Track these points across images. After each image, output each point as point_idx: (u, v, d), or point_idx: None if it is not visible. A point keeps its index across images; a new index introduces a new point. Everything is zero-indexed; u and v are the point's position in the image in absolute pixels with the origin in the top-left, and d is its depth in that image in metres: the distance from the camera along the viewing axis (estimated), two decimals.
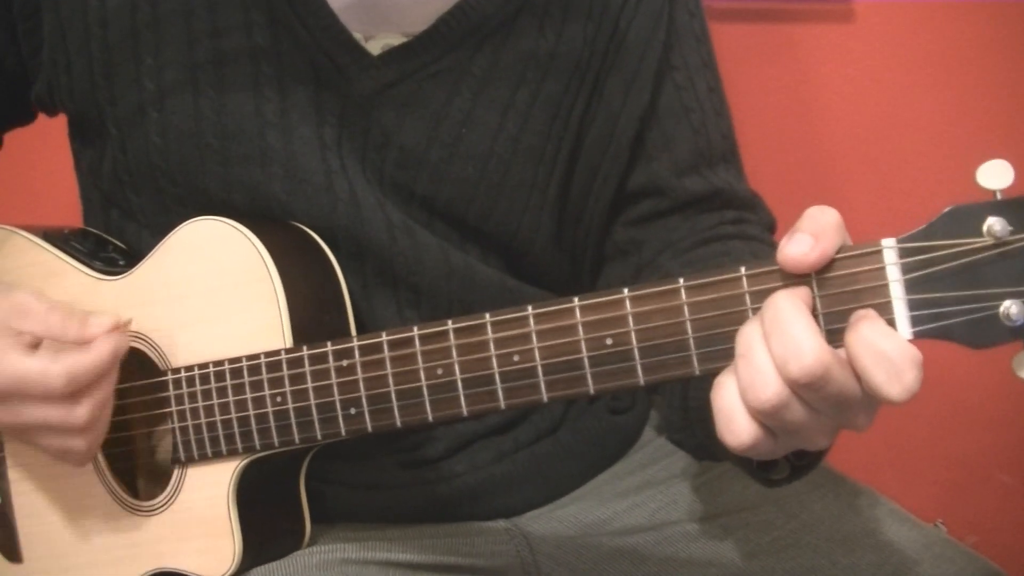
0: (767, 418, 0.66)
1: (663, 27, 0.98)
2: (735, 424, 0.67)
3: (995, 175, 0.63)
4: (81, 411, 0.85)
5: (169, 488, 0.90)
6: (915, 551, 0.92)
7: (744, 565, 0.94)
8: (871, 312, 0.64)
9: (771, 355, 0.64)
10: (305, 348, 0.83)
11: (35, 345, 0.85)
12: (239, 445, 0.86)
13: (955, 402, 1.67)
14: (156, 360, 0.90)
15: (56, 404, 0.84)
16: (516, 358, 0.74)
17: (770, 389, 0.64)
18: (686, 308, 0.69)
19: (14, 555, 0.98)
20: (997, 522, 1.76)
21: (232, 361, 0.86)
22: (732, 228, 0.99)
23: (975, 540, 1.71)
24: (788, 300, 0.65)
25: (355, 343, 0.81)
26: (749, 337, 0.66)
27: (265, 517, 0.89)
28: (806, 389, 0.64)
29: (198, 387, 0.88)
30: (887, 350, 0.62)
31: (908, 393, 0.62)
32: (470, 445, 1.00)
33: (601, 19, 0.97)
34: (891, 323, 0.64)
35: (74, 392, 0.84)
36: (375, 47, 0.93)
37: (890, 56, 1.70)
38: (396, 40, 0.93)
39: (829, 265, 0.66)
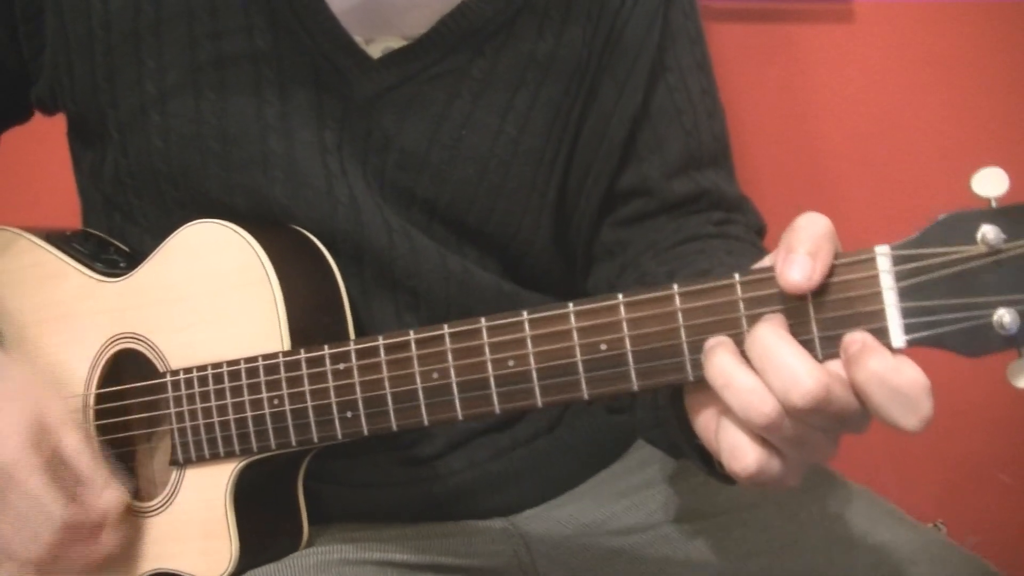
0: (773, 432, 0.65)
1: (658, 28, 0.98)
2: (739, 451, 0.67)
3: (990, 183, 0.62)
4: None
5: (167, 489, 0.91)
6: (913, 552, 0.92)
7: (742, 565, 0.94)
8: (869, 339, 0.64)
9: (771, 390, 0.64)
10: (302, 352, 0.83)
11: (50, 465, 0.87)
12: (236, 447, 0.86)
13: (955, 402, 1.66)
14: (155, 362, 0.91)
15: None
16: (511, 363, 0.74)
17: (769, 402, 0.64)
18: (680, 314, 0.69)
19: None
20: (997, 522, 1.76)
21: (230, 364, 0.86)
22: (714, 228, 0.99)
23: (975, 540, 1.71)
24: (770, 331, 0.65)
25: (352, 347, 0.81)
26: (721, 368, 0.66)
27: (262, 519, 0.90)
28: (811, 414, 0.64)
29: (196, 389, 0.88)
30: (901, 386, 0.62)
31: (925, 423, 0.62)
32: (468, 442, 1.00)
33: (599, 20, 0.97)
34: (884, 331, 0.64)
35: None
36: (376, 50, 0.93)
37: (890, 56, 1.70)
38: (396, 43, 0.93)
39: None
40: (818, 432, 0.66)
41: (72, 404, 0.93)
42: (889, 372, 0.62)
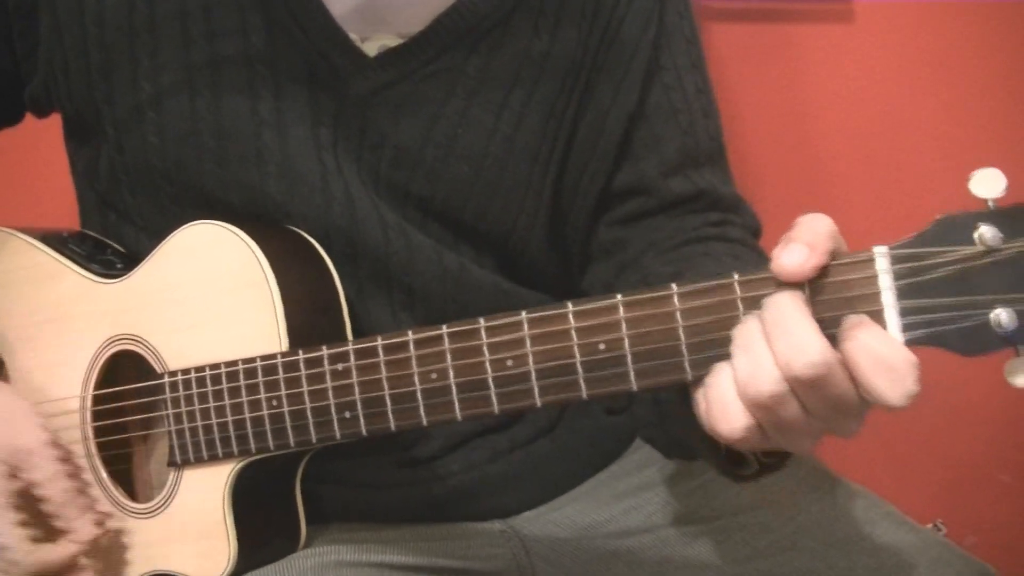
0: (762, 411, 0.66)
1: (653, 27, 0.99)
2: (730, 414, 0.67)
3: (988, 184, 0.63)
4: None
5: (166, 491, 0.90)
6: (911, 554, 0.92)
7: (740, 568, 0.94)
8: (865, 318, 0.65)
9: (773, 353, 0.65)
10: (301, 352, 0.83)
11: (22, 495, 0.87)
12: (235, 448, 0.86)
13: (953, 402, 1.66)
14: (153, 363, 0.91)
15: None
16: (510, 363, 0.74)
17: (770, 381, 0.65)
18: (679, 314, 0.69)
19: None
20: (996, 522, 1.76)
21: (228, 364, 0.86)
22: (714, 230, 0.99)
23: (974, 540, 1.71)
24: (790, 300, 0.66)
25: (350, 347, 0.81)
26: (749, 330, 0.67)
27: (260, 520, 0.89)
28: (807, 387, 0.64)
29: (194, 390, 0.88)
30: (887, 356, 0.63)
31: (908, 398, 0.63)
32: (466, 444, 1.00)
33: (594, 18, 0.97)
34: None
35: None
36: (371, 48, 0.93)
37: (889, 57, 1.69)
38: (392, 41, 0.93)
39: (822, 272, 0.66)
40: (805, 416, 0.66)
41: (54, 422, 0.93)
42: (877, 342, 0.63)
